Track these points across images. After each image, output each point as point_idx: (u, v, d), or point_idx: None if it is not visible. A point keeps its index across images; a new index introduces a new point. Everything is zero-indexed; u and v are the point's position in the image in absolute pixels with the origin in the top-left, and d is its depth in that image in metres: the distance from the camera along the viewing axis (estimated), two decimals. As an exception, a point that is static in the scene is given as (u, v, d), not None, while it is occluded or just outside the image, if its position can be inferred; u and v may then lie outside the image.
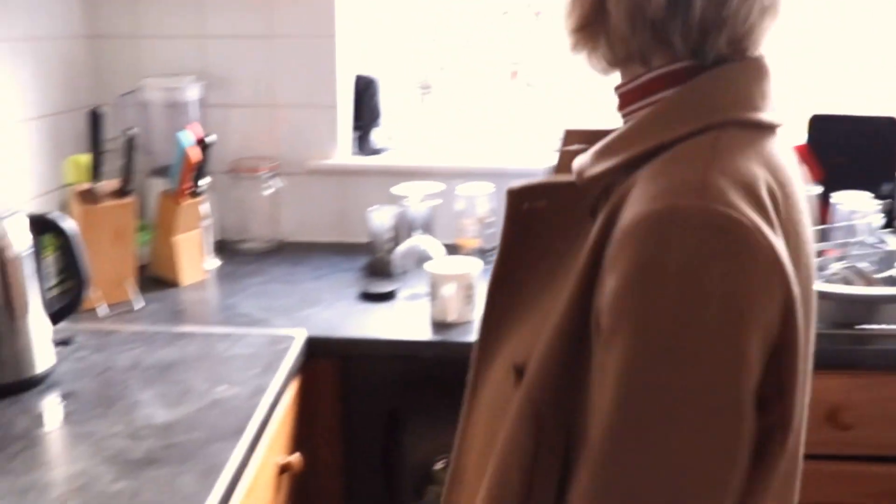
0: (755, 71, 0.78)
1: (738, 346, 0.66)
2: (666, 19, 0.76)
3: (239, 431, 1.22)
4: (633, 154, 0.75)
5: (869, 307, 1.56)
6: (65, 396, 1.34)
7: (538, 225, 0.82)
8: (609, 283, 0.70)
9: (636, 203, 0.70)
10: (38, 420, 1.27)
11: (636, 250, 0.68)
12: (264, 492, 1.31)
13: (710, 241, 0.66)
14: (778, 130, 0.78)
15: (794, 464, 0.79)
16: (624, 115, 0.83)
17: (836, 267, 1.62)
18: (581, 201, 0.79)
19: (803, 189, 0.80)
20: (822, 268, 1.64)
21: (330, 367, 1.61)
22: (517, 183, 0.83)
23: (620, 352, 0.68)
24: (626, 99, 0.83)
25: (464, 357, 1.58)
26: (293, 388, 1.49)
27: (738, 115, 0.75)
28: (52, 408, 1.31)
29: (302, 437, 1.54)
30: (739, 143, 0.73)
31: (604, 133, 0.81)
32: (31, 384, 1.36)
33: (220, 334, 1.57)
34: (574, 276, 0.75)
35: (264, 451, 1.29)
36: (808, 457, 0.86)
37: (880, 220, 1.76)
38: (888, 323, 1.57)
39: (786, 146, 0.79)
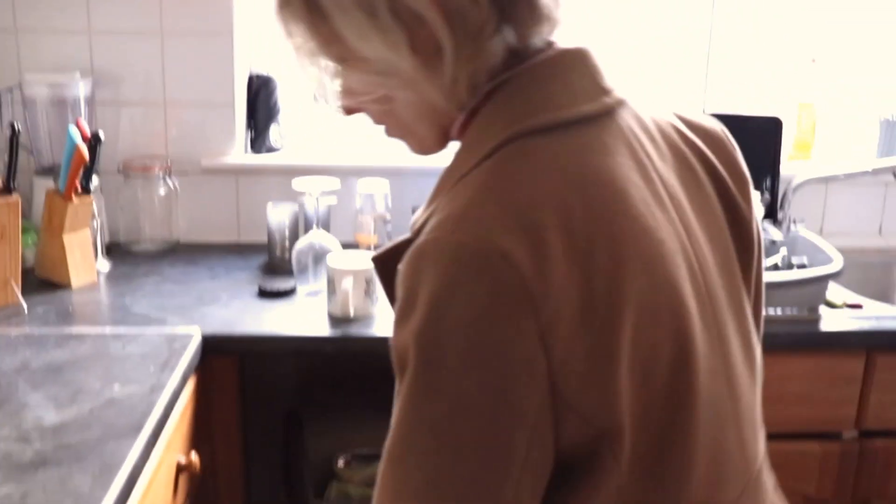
0: (548, 68, 0.76)
1: (491, 381, 0.66)
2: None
3: (136, 429, 1.19)
4: (441, 195, 0.75)
5: (753, 293, 1.63)
6: (-53, 401, 1.28)
7: None
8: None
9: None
10: (-83, 426, 1.21)
11: (400, 285, 0.70)
12: (163, 492, 1.28)
13: (454, 272, 0.66)
14: (608, 116, 0.76)
15: (656, 463, 0.75)
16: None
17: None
18: None
19: (654, 174, 0.77)
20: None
21: (228, 365, 1.59)
22: (378, 250, 0.82)
23: (397, 380, 0.71)
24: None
25: (364, 351, 1.58)
26: (190, 386, 1.46)
27: (525, 126, 0.73)
28: (-68, 413, 1.25)
29: (200, 436, 1.51)
30: (527, 158, 0.72)
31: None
32: None
33: (113, 334, 1.53)
34: None
35: (162, 450, 1.26)
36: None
37: (761, 211, 1.85)
38: (772, 307, 1.64)
39: (629, 129, 0.77)
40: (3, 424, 1.20)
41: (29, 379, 1.35)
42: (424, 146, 0.87)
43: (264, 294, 1.74)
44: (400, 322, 0.70)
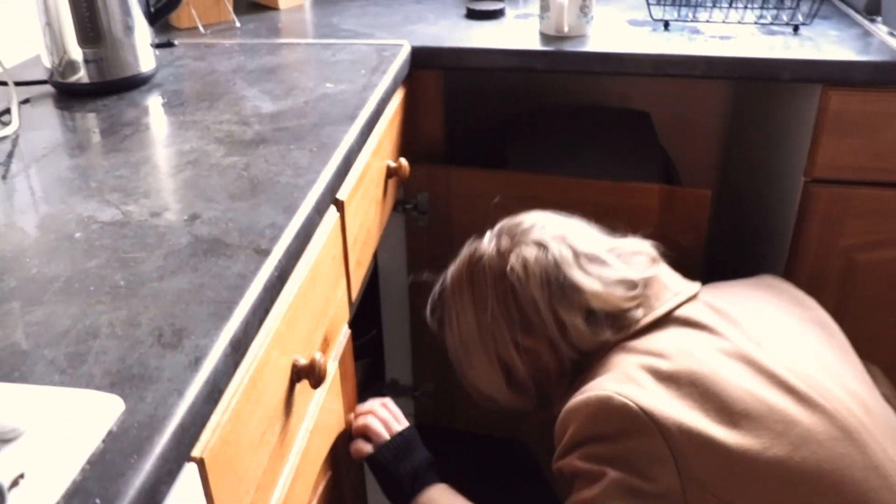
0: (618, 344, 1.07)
1: None
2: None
3: (350, 118, 1.17)
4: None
5: None
6: (170, 93, 1.31)
7: None
8: None
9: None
10: (145, 111, 1.25)
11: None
12: (375, 181, 1.27)
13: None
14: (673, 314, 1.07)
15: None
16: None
17: None
18: None
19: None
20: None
21: (435, 78, 1.54)
22: None
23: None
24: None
25: (575, 72, 1.49)
26: (399, 96, 1.43)
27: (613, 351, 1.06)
28: (158, 102, 1.28)
29: (405, 151, 1.49)
30: (620, 363, 1.03)
31: None
32: (135, 83, 1.33)
33: (323, 44, 1.51)
34: None
35: (374, 145, 1.25)
36: None
37: None
38: None
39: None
40: (223, 111, 1.22)
41: (245, 77, 1.36)
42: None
43: (472, 15, 1.66)
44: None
